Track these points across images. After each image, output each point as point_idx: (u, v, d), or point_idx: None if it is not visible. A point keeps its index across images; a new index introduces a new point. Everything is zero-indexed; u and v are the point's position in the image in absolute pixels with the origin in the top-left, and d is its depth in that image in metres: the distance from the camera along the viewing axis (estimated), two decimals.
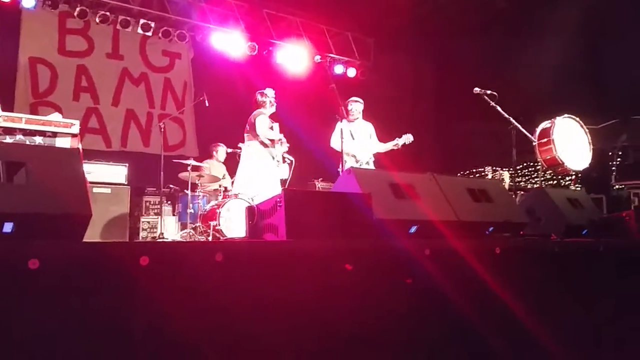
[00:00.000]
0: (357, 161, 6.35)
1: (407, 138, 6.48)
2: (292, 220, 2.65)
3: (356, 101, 6.64)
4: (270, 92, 6.39)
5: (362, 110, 6.64)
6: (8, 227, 2.14)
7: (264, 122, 6.13)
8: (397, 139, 6.49)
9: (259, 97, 6.36)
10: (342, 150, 6.33)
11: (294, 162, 6.32)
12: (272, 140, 6.13)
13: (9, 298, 1.85)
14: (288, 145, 6.28)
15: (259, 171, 6.03)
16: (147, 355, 2.03)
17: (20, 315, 1.86)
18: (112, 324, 1.98)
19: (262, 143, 6.11)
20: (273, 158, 6.11)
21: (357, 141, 6.44)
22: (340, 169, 5.64)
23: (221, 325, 2.17)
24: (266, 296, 2.29)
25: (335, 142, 6.13)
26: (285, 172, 6.25)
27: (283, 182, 6.30)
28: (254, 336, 2.24)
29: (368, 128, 6.67)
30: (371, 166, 6.44)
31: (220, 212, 6.24)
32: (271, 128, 6.17)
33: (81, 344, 1.92)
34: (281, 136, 6.22)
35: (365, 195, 2.99)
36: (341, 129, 5.77)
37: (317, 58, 6.20)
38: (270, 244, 2.64)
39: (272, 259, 2.37)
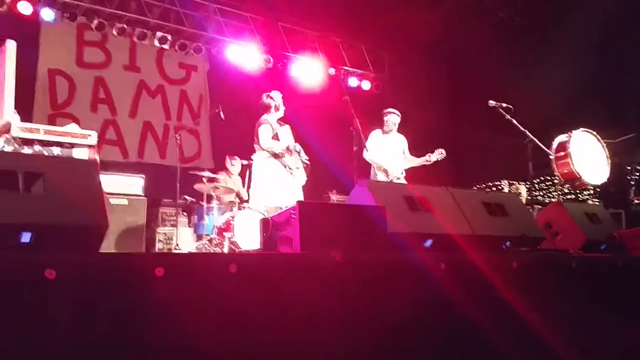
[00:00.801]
0: (387, 175, 6.27)
1: (440, 154, 6.39)
2: (307, 233, 2.64)
3: (392, 112, 6.54)
4: (276, 95, 6.01)
5: (398, 123, 6.56)
6: (26, 237, 2.17)
7: (266, 132, 5.77)
8: (429, 154, 6.41)
9: (264, 99, 6.00)
10: (374, 163, 6.29)
11: (309, 165, 5.93)
12: (291, 150, 5.79)
13: (26, 307, 1.86)
14: (297, 149, 5.84)
15: (271, 183, 5.75)
16: None
17: (37, 324, 1.87)
18: (128, 334, 1.99)
19: (273, 153, 5.80)
20: (285, 167, 5.75)
21: (389, 155, 6.36)
22: None
23: (235, 336, 2.17)
24: (280, 308, 2.28)
25: (366, 153, 5.93)
26: (302, 178, 5.89)
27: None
28: (268, 347, 2.23)
29: (402, 142, 6.59)
30: (402, 181, 6.32)
31: (235, 224, 6.24)
32: (275, 137, 5.79)
33: (96, 354, 1.93)
34: (288, 145, 5.78)
35: (380, 208, 2.98)
36: (369, 142, 5.65)
37: (332, 71, 6.11)
38: (284, 256, 2.64)
39: (286, 271, 2.36)
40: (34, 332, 1.86)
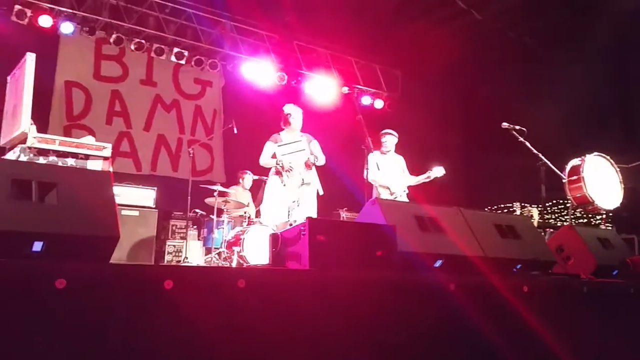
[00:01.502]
0: (391, 193, 6.28)
1: (439, 171, 6.41)
2: (316, 249, 2.64)
3: (390, 134, 6.59)
4: (286, 108, 5.88)
5: (396, 143, 6.59)
6: (38, 245, 2.19)
7: (264, 150, 5.76)
8: (429, 171, 6.42)
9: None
10: (376, 183, 6.28)
11: (306, 183, 5.64)
12: (282, 167, 5.55)
13: (35, 316, 1.87)
14: (290, 169, 5.56)
15: (269, 199, 5.77)
16: None
17: (46, 333, 1.88)
18: (136, 345, 1.99)
19: (276, 170, 5.71)
20: (282, 183, 5.60)
21: (391, 174, 6.37)
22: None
23: (243, 351, 2.16)
24: (287, 324, 2.27)
25: (372, 175, 5.84)
26: (309, 194, 5.64)
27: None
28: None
29: (400, 161, 6.63)
30: (404, 199, 6.36)
31: (244, 239, 6.25)
32: (273, 155, 5.66)
33: None
34: (277, 162, 5.58)
35: (390, 227, 2.97)
36: (376, 162, 5.61)
37: (345, 89, 6.08)
38: (293, 272, 2.63)
39: (294, 287, 2.36)
40: (43, 341, 1.87)
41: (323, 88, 9.85)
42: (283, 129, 5.93)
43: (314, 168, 5.78)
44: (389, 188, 6.31)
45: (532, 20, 8.96)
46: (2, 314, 1.80)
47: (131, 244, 5.98)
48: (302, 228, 2.72)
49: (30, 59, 3.74)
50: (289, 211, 5.50)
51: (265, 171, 6.20)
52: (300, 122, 5.93)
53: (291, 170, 5.57)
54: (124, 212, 5.90)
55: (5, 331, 1.80)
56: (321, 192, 5.76)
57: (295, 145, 5.78)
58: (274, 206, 5.68)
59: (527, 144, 5.23)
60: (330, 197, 6.22)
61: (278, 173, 5.70)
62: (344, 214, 8.67)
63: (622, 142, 7.87)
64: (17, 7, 7.51)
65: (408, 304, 2.68)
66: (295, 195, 5.54)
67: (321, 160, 5.81)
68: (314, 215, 5.59)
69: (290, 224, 5.23)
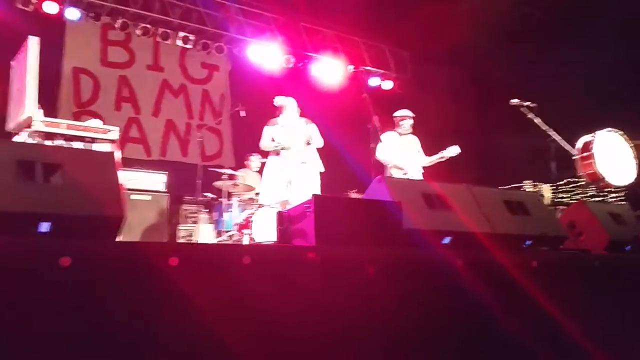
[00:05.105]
0: (405, 174, 6.26)
1: (454, 150, 6.35)
2: (321, 226, 2.62)
3: (409, 117, 6.53)
4: (277, 101, 6.18)
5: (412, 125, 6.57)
6: (45, 226, 2.19)
7: (265, 133, 6.10)
8: (442, 151, 6.38)
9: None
10: (388, 163, 6.26)
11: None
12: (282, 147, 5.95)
13: (40, 293, 1.88)
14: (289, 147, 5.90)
15: (265, 179, 6.06)
16: (173, 354, 2.03)
17: (51, 311, 1.89)
18: (140, 322, 2.00)
19: (275, 152, 6.04)
20: (279, 162, 6.00)
21: (406, 155, 6.36)
22: None
23: (247, 326, 2.16)
24: (292, 299, 2.27)
25: (382, 154, 5.95)
26: (306, 174, 5.92)
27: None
28: (280, 338, 2.22)
29: (415, 142, 6.60)
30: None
31: (254, 221, 6.27)
32: (272, 139, 6.04)
33: (108, 341, 1.94)
34: (276, 144, 5.96)
35: (396, 204, 2.95)
36: (387, 143, 5.59)
37: (350, 68, 6.07)
38: (298, 248, 2.62)
39: (300, 263, 2.35)
40: (49, 319, 1.88)
41: (330, 70, 9.77)
42: (278, 116, 6.16)
43: (312, 148, 5.98)
44: (403, 169, 6.27)
45: None
46: (7, 291, 1.81)
47: (143, 228, 5.99)
48: (308, 205, 2.71)
49: (32, 42, 3.73)
50: (286, 188, 5.80)
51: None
52: (294, 111, 6.18)
53: (290, 148, 5.85)
54: (135, 197, 5.92)
55: (10, 309, 1.81)
56: (322, 169, 5.98)
57: (291, 127, 6.05)
58: (270, 184, 5.94)
59: (537, 120, 5.16)
60: (340, 179, 6.23)
61: (277, 154, 5.98)
62: (354, 196, 8.64)
63: (637, 118, 7.74)
64: None
65: (415, 280, 2.67)
66: (291, 174, 5.83)
67: (319, 143, 6.06)
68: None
69: (288, 203, 5.35)
